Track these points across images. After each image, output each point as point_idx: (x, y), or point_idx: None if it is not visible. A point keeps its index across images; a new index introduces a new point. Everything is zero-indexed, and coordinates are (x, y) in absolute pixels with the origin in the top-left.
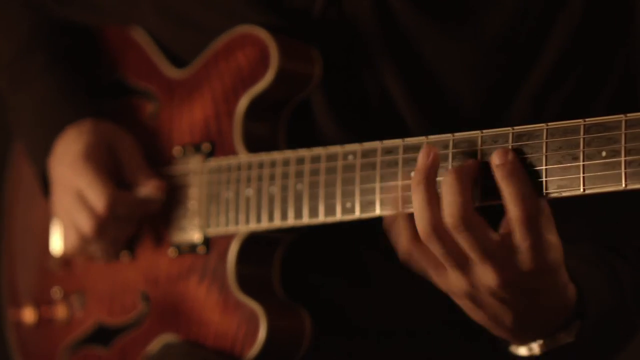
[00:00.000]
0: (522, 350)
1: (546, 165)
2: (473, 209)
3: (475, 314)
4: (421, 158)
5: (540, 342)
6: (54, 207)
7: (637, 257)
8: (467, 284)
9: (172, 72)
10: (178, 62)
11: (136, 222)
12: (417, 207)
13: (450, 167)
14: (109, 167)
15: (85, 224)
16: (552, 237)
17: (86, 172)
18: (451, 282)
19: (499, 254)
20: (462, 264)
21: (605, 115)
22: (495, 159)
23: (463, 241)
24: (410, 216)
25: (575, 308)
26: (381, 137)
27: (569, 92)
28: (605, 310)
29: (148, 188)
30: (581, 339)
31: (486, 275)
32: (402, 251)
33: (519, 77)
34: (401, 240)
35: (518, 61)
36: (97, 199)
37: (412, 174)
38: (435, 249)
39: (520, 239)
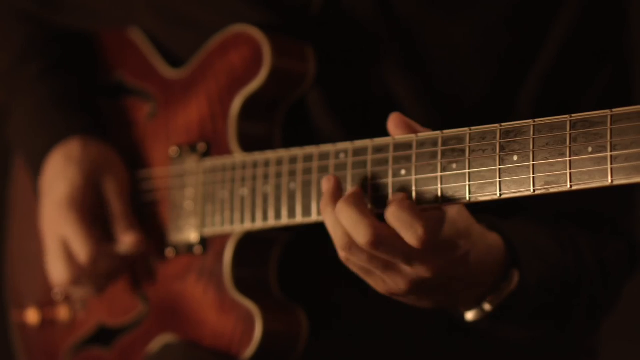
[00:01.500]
0: (474, 314)
1: (533, 161)
2: (380, 225)
3: (422, 304)
4: (324, 184)
5: (489, 298)
6: (44, 234)
7: (608, 235)
8: (404, 283)
9: (168, 72)
10: (175, 61)
11: (116, 273)
12: (330, 228)
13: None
14: (93, 209)
15: (65, 274)
16: (438, 216)
17: (72, 221)
18: (388, 285)
19: (420, 254)
20: (390, 267)
21: (600, 106)
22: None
23: (382, 255)
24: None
25: (509, 256)
26: (383, 134)
27: (567, 81)
28: (551, 261)
29: (127, 244)
30: (527, 285)
31: (420, 271)
32: (342, 259)
33: (523, 65)
34: (338, 252)
35: (521, 49)
36: (81, 251)
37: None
38: (359, 261)
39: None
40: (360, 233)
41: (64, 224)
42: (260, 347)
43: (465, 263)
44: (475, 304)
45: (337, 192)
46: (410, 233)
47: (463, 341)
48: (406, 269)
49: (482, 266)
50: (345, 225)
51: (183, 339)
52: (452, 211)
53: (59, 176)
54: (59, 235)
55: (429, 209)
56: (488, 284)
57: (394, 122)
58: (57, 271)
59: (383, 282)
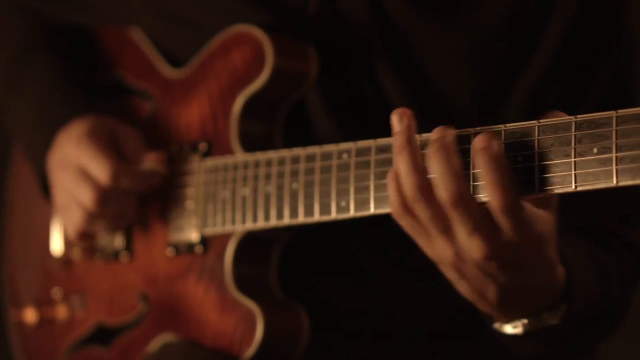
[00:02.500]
0: (507, 328)
1: (538, 162)
2: (467, 185)
3: (460, 285)
4: (396, 123)
5: (525, 320)
6: (54, 195)
7: (619, 248)
8: (453, 252)
9: (169, 71)
10: (175, 61)
11: (137, 200)
12: (403, 171)
13: None
14: (111, 146)
15: (89, 197)
16: (539, 211)
17: (89, 146)
18: (437, 249)
19: (486, 228)
20: (448, 232)
21: (599, 109)
22: (478, 143)
23: (456, 215)
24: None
25: (563, 291)
26: (378, 135)
27: (564, 84)
28: (592, 299)
29: (149, 161)
30: (566, 323)
31: (472, 247)
32: (393, 213)
33: (517, 69)
34: (392, 201)
35: (515, 53)
36: (101, 170)
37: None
38: (421, 213)
39: (502, 222)
40: (448, 187)
41: (80, 152)
42: (261, 346)
43: (523, 271)
44: (507, 318)
45: (413, 133)
46: (498, 194)
47: (464, 346)
48: (462, 238)
49: (536, 287)
50: (434, 171)
51: (183, 338)
52: (540, 215)
53: (73, 129)
54: (75, 166)
55: None
56: (532, 309)
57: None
58: (84, 197)
59: (432, 245)
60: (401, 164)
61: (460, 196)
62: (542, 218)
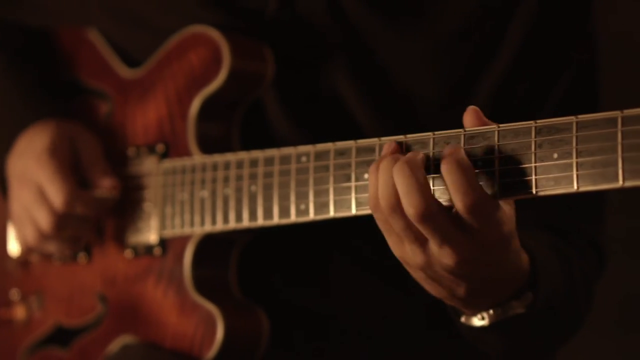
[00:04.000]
0: (474, 320)
1: (499, 167)
2: (434, 200)
3: (429, 287)
4: (385, 148)
5: (492, 311)
6: (11, 203)
7: (582, 244)
8: (423, 259)
9: (125, 72)
10: (132, 62)
11: (93, 224)
12: (381, 183)
13: None
14: (70, 163)
15: (44, 220)
16: (502, 213)
17: (48, 166)
18: (407, 254)
19: (456, 236)
20: (420, 240)
21: (562, 109)
22: (445, 150)
23: (423, 229)
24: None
25: (527, 279)
26: (335, 137)
27: (527, 84)
28: (556, 288)
29: (103, 188)
30: (531, 311)
31: (443, 255)
32: (370, 206)
33: (479, 70)
34: (370, 198)
35: (477, 54)
36: (57, 194)
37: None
38: (395, 223)
39: (469, 224)
40: (412, 202)
41: (38, 171)
42: (222, 348)
43: (490, 270)
44: (475, 310)
45: (398, 153)
46: (461, 196)
47: (427, 345)
48: (433, 247)
49: (504, 280)
50: (398, 187)
51: (143, 340)
52: (508, 210)
53: (34, 139)
54: (33, 183)
55: None
56: (500, 297)
57: (470, 116)
58: (39, 218)
59: (402, 249)
60: (381, 177)
61: (427, 211)
62: (506, 214)
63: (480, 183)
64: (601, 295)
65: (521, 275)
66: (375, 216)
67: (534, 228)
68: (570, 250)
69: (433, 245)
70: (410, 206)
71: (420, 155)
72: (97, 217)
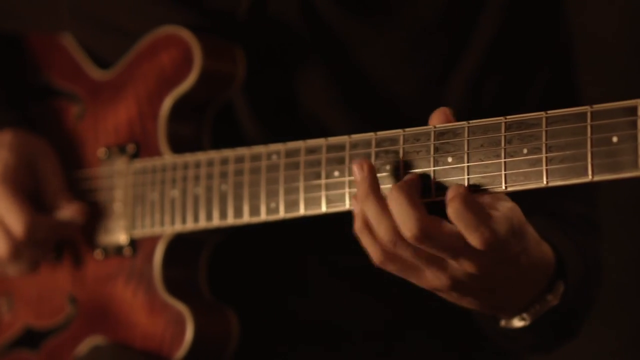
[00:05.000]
0: (515, 322)
1: (468, 162)
2: (428, 218)
3: (463, 302)
4: (356, 171)
5: (531, 309)
6: None
7: (584, 226)
8: (447, 278)
9: (96, 73)
10: (106, 66)
11: (53, 246)
12: (374, 219)
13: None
14: (28, 188)
15: (2, 248)
16: (500, 213)
17: (5, 196)
18: (431, 281)
19: (467, 247)
20: (435, 261)
21: (540, 103)
22: (449, 193)
23: (428, 249)
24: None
25: (554, 268)
26: (306, 137)
27: (502, 77)
28: (580, 274)
29: (69, 211)
30: (564, 301)
31: (463, 267)
32: (377, 263)
33: (452, 64)
34: (372, 252)
35: (450, 48)
36: (16, 223)
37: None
38: (403, 252)
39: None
40: (407, 225)
41: None
42: (191, 348)
43: (516, 264)
44: (517, 312)
45: (376, 180)
46: (476, 235)
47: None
48: (452, 264)
49: (533, 272)
50: (395, 214)
51: (113, 340)
52: (506, 207)
53: None
54: None
55: None
56: (534, 293)
57: (437, 117)
58: None
59: (424, 278)
60: (369, 211)
61: (420, 232)
62: (510, 209)
63: (451, 179)
64: None
65: (547, 265)
66: (389, 267)
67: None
68: (578, 235)
69: (450, 261)
70: (406, 229)
71: (412, 177)
72: (60, 240)
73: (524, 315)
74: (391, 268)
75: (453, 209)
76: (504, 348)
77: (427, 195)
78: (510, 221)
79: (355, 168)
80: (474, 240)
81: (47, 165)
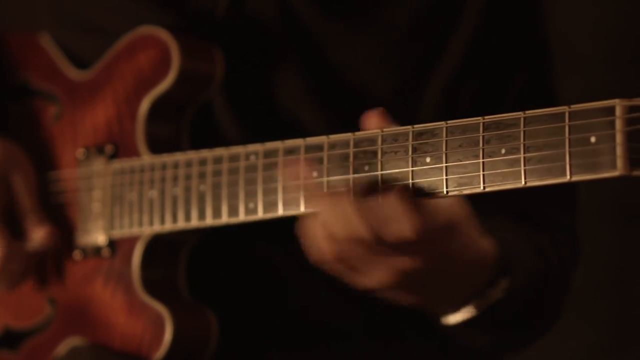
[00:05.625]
0: (458, 316)
1: (446, 163)
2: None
3: (407, 298)
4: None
5: (473, 302)
6: None
7: (553, 228)
8: (390, 273)
9: (74, 73)
10: (84, 66)
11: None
12: (330, 219)
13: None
14: (2, 204)
15: None
16: (436, 207)
17: None
18: (375, 278)
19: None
20: (379, 259)
21: (515, 105)
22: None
23: (379, 247)
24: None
25: (499, 264)
26: (285, 137)
27: (480, 81)
28: (530, 271)
29: (38, 239)
30: (511, 295)
31: (404, 263)
32: (325, 258)
33: (429, 67)
34: (320, 251)
35: (427, 51)
36: None
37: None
38: (353, 255)
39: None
40: (406, 227)
41: None
42: (170, 349)
43: (454, 259)
44: (460, 306)
45: (317, 185)
46: (404, 224)
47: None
48: (395, 260)
49: (472, 266)
50: (391, 216)
51: (91, 342)
52: (445, 203)
53: None
54: None
55: None
56: (477, 286)
57: (374, 119)
58: None
59: (369, 277)
60: (326, 211)
61: (420, 232)
62: (450, 205)
63: (429, 179)
64: None
65: (488, 261)
66: (336, 266)
67: (502, 215)
68: (541, 235)
69: (393, 258)
70: (404, 231)
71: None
72: (32, 267)
73: (467, 308)
74: (338, 267)
75: (388, 201)
76: (462, 344)
77: None
78: (445, 216)
79: (289, 173)
80: (405, 229)
81: (20, 178)
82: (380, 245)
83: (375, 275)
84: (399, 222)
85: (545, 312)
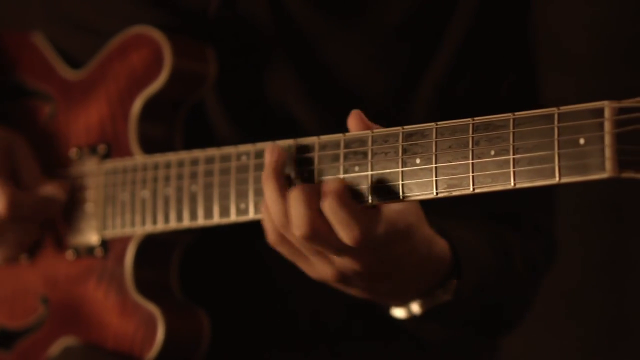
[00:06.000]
0: (401, 312)
1: (436, 164)
2: (321, 220)
3: (351, 292)
4: (267, 155)
5: (419, 301)
6: None
7: (531, 231)
8: (332, 270)
9: (68, 73)
10: (77, 65)
11: (38, 226)
12: (269, 201)
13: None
14: (6, 171)
15: None
16: (381, 214)
17: None
18: (318, 270)
19: (346, 246)
20: (321, 254)
21: (506, 106)
22: (325, 186)
23: (314, 246)
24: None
25: (451, 266)
26: (278, 137)
27: (471, 81)
28: (487, 273)
29: (50, 188)
30: (460, 297)
31: (346, 264)
32: (270, 242)
33: (422, 66)
34: (267, 231)
35: (419, 50)
36: None
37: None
38: (292, 238)
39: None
40: (297, 224)
41: None
42: (162, 349)
43: (398, 264)
44: (404, 304)
45: (281, 167)
46: (346, 232)
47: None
48: (335, 259)
49: (418, 271)
50: (289, 209)
51: (85, 341)
52: (391, 210)
53: None
54: None
55: None
56: (421, 289)
57: (354, 119)
58: None
59: (312, 267)
60: (267, 192)
61: (312, 232)
62: (397, 212)
63: (419, 180)
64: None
65: (438, 264)
66: (277, 243)
67: (474, 216)
68: (509, 236)
69: (333, 257)
70: (296, 228)
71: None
72: (43, 219)
73: (413, 305)
74: (282, 250)
75: (327, 205)
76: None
77: (396, 197)
78: (390, 222)
79: (267, 151)
80: (344, 236)
81: (23, 153)
82: (313, 245)
83: (317, 269)
84: (342, 229)
85: (505, 313)
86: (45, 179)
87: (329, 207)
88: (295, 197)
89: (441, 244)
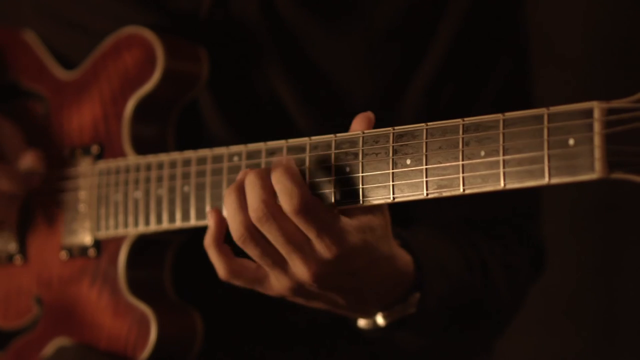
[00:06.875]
0: (364, 323)
1: (426, 165)
2: (274, 201)
3: (312, 304)
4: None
5: (381, 314)
6: None
7: (513, 240)
8: (290, 281)
9: (61, 73)
10: (69, 64)
11: (18, 205)
12: (230, 211)
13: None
14: None
15: None
16: (346, 223)
17: None
18: (276, 285)
19: (304, 246)
20: (279, 261)
21: (495, 106)
22: (274, 161)
23: (269, 234)
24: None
25: (414, 279)
26: (271, 137)
27: (460, 82)
28: (456, 282)
29: (27, 160)
30: (424, 309)
31: (299, 271)
32: (222, 276)
33: (411, 67)
34: (219, 265)
35: (409, 52)
36: None
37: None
38: (251, 251)
39: (304, 230)
40: (253, 207)
41: None
42: (155, 349)
43: (358, 278)
44: (367, 316)
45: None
46: (286, 199)
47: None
48: (291, 266)
49: (379, 286)
50: (248, 192)
51: (78, 342)
52: (362, 221)
53: None
54: None
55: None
56: (385, 303)
57: (362, 121)
58: None
59: (268, 283)
60: (228, 205)
61: (264, 211)
62: (352, 229)
63: (409, 181)
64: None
65: (402, 275)
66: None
67: (455, 224)
68: (488, 245)
69: (289, 263)
70: (253, 211)
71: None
72: (23, 193)
73: (375, 319)
74: (239, 278)
75: (273, 176)
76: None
77: (385, 198)
78: (356, 233)
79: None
80: (285, 204)
81: (6, 130)
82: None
83: (272, 284)
84: (283, 197)
85: (483, 320)
86: (24, 149)
87: (275, 178)
88: (250, 181)
89: (405, 259)
